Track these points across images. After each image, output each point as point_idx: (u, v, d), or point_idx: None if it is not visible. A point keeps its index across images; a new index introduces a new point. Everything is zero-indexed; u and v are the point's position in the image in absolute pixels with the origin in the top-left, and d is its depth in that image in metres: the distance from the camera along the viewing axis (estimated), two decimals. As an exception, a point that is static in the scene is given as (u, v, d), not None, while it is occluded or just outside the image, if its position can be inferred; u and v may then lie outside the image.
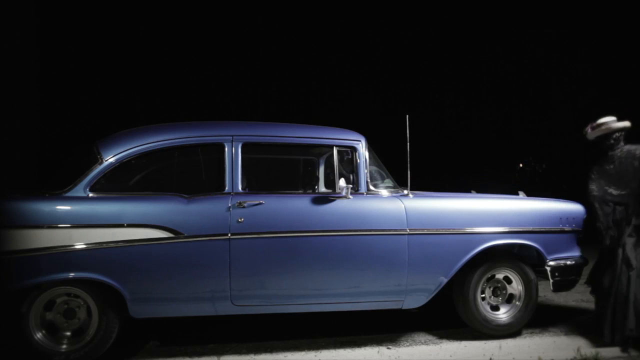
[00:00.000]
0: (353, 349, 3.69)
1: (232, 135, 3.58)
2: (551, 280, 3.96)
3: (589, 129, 3.98)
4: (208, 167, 3.66)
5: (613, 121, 3.91)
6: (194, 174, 3.73)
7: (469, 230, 3.78)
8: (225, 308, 3.46)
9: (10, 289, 3.14)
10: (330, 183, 3.86)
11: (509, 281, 3.98)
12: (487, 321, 3.88)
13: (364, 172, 3.75)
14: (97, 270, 3.22)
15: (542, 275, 3.98)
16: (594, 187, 3.91)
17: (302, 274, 3.52)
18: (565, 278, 4.00)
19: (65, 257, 3.18)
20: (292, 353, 3.60)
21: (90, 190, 3.33)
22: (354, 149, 3.78)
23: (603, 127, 3.91)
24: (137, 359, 3.51)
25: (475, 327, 3.90)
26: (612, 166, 3.87)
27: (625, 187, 3.77)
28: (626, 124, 3.89)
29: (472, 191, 4.70)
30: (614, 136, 3.89)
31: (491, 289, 3.96)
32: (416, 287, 3.69)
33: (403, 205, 3.71)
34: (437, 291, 3.74)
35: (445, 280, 3.74)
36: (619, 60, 17.19)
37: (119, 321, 3.35)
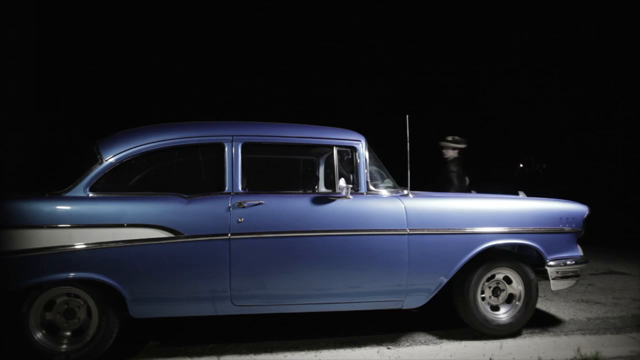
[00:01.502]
0: (353, 349, 3.69)
1: (232, 135, 3.58)
2: (551, 280, 3.96)
3: (458, 143, 5.60)
4: (208, 167, 3.66)
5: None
6: (194, 174, 3.72)
7: (469, 230, 3.78)
8: (225, 308, 3.46)
9: (11, 289, 3.14)
10: (330, 183, 3.86)
11: (509, 281, 3.98)
12: (487, 321, 3.88)
13: (364, 172, 3.75)
14: (97, 270, 3.22)
15: (542, 275, 3.99)
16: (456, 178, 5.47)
17: (302, 274, 3.52)
18: (565, 278, 4.00)
19: (65, 257, 3.18)
20: (292, 353, 3.60)
21: (91, 190, 3.33)
22: (354, 149, 3.78)
23: (462, 145, 5.60)
24: (137, 359, 3.51)
25: (475, 327, 3.90)
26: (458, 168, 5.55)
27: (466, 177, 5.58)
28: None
29: (472, 191, 4.70)
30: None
31: (491, 289, 3.96)
32: (416, 287, 3.69)
33: (403, 205, 3.71)
34: (437, 291, 3.74)
35: (445, 280, 3.73)
36: (619, 60, 17.19)
37: (119, 321, 3.35)
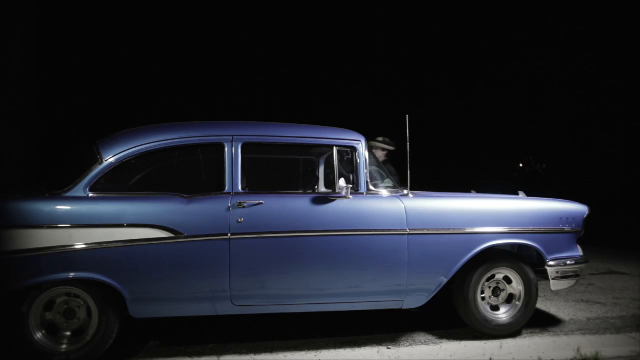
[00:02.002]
0: (353, 349, 3.69)
1: (232, 135, 3.58)
2: (551, 280, 3.96)
3: (388, 144, 5.50)
4: (208, 167, 3.66)
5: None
6: (194, 174, 3.72)
7: (469, 230, 3.78)
8: (225, 308, 3.46)
9: (10, 289, 3.14)
10: (330, 183, 3.86)
11: (509, 281, 3.98)
12: (487, 321, 3.88)
13: (364, 172, 3.75)
14: (97, 270, 3.22)
15: (542, 275, 3.98)
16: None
17: (302, 274, 3.52)
18: (565, 278, 4.00)
19: (65, 257, 3.18)
20: (292, 353, 3.60)
21: (91, 190, 3.33)
22: (354, 149, 3.78)
23: (391, 147, 5.49)
24: (137, 359, 3.51)
25: (475, 327, 3.90)
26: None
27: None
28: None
29: (472, 191, 4.70)
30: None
31: (491, 289, 3.96)
32: (416, 287, 3.69)
33: (403, 205, 3.71)
34: (437, 291, 3.74)
35: (445, 280, 3.73)
36: (619, 60, 17.18)
37: (119, 321, 3.35)
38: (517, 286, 3.96)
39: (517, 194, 4.45)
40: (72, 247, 3.19)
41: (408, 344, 3.82)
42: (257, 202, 3.47)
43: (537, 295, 3.99)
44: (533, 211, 4.01)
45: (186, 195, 3.43)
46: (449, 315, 4.14)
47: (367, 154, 3.79)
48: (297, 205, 3.58)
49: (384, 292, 3.65)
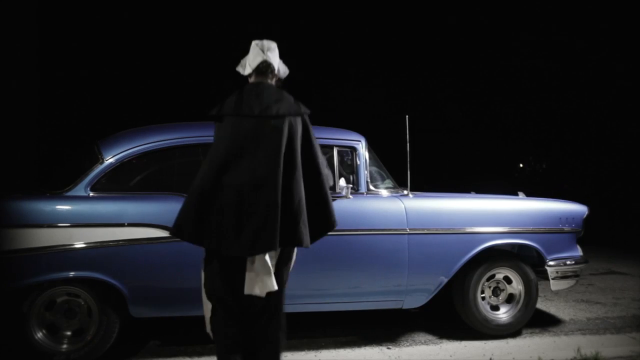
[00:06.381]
0: (353, 349, 3.69)
1: (233, 135, 3.57)
2: (551, 280, 3.96)
3: None
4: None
5: None
6: (195, 173, 3.71)
7: (468, 230, 3.78)
8: (226, 308, 3.45)
9: (11, 289, 3.14)
10: (331, 183, 3.86)
11: (509, 281, 3.98)
12: (487, 321, 3.88)
13: (364, 172, 3.75)
14: (98, 270, 3.22)
15: (542, 275, 3.99)
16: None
17: (302, 274, 3.51)
18: (565, 278, 4.00)
19: (65, 256, 3.18)
20: (292, 353, 3.60)
21: (91, 190, 3.33)
22: (354, 149, 3.78)
23: None
24: (137, 359, 3.51)
25: (475, 327, 3.90)
26: None
27: None
28: None
29: (472, 191, 4.70)
30: None
31: (491, 288, 3.96)
32: (416, 287, 3.70)
33: (403, 205, 3.71)
34: (437, 291, 3.74)
35: (445, 280, 3.74)
36: (619, 60, 17.18)
37: (119, 321, 3.35)
38: (517, 286, 3.97)
39: (517, 194, 4.45)
40: (73, 247, 3.19)
41: (408, 344, 3.83)
42: (258, 202, 3.46)
43: (537, 295, 4.00)
44: (533, 211, 4.01)
45: (187, 195, 3.42)
46: (449, 315, 4.14)
47: (367, 154, 3.80)
48: (297, 205, 3.57)
49: (384, 292, 3.66)
